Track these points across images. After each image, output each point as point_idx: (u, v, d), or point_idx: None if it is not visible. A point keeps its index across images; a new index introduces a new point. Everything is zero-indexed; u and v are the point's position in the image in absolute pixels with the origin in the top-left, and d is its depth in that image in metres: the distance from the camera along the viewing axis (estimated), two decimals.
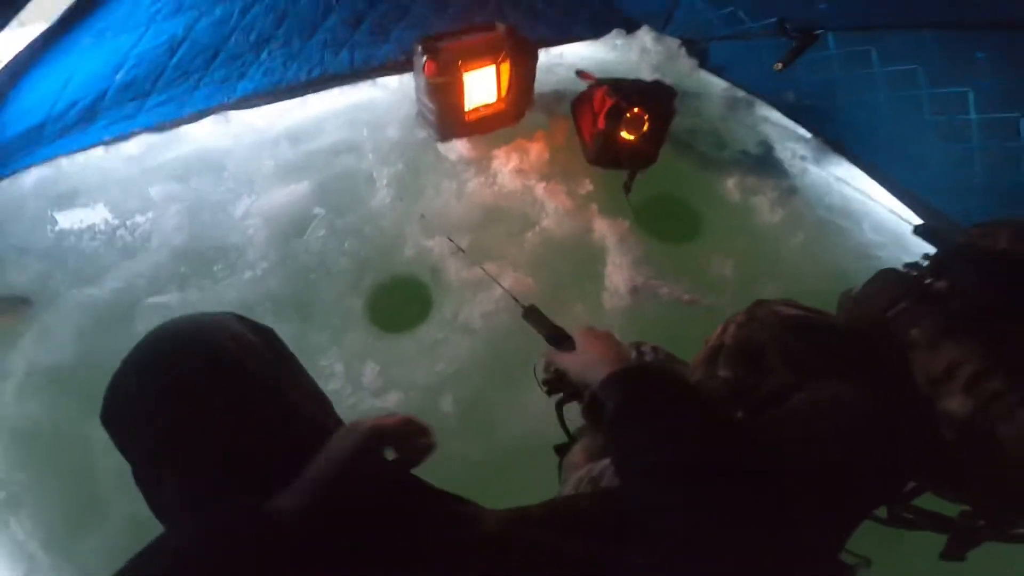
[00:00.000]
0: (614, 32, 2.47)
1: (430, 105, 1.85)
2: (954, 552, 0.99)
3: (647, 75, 2.26)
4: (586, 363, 0.77)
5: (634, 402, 0.67)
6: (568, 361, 0.84)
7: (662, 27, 2.49)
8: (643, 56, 2.39)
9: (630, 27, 2.48)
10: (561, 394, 0.96)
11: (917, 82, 1.87)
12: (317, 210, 1.86)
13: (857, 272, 1.87)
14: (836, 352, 1.02)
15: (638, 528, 0.57)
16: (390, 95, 2.09)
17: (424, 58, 1.72)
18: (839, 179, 2.16)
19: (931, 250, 1.16)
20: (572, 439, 1.12)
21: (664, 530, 0.55)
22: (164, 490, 0.66)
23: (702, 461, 0.57)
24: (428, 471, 0.78)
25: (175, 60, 1.93)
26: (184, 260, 1.76)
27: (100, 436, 1.43)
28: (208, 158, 2.01)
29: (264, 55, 2.03)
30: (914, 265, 1.09)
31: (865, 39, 1.95)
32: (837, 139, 2.22)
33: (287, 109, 2.07)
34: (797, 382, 1.00)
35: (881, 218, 2.09)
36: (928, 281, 1.04)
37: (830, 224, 2.02)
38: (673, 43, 2.45)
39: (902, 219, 2.06)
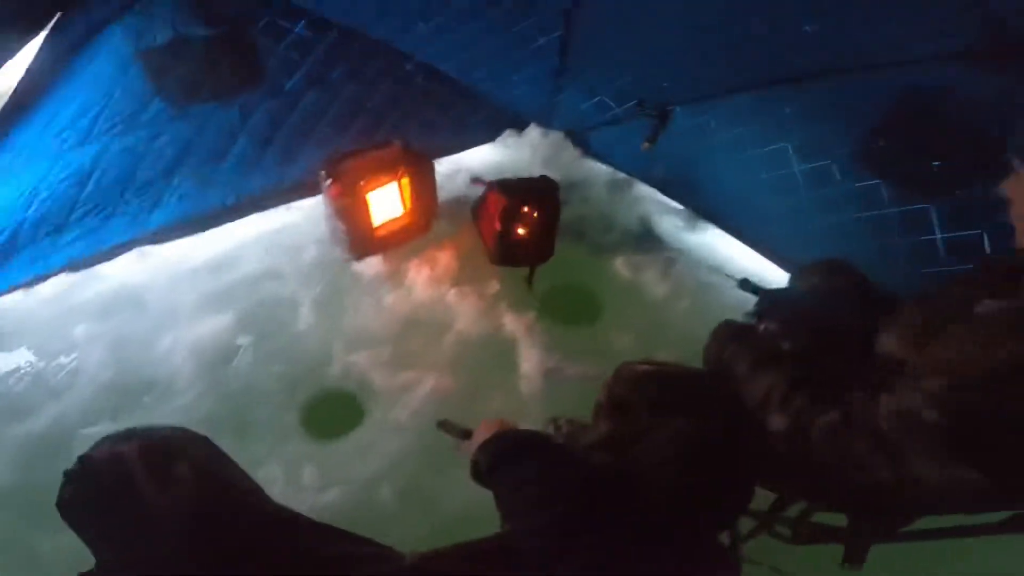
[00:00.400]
0: (506, 133, 2.70)
1: (340, 225, 1.98)
2: (851, 559, 1.14)
3: (538, 170, 2.49)
4: (476, 444, 0.94)
5: (501, 457, 0.84)
6: (467, 449, 0.99)
7: (549, 122, 2.74)
8: (534, 152, 2.65)
9: (520, 126, 2.73)
10: None
11: (746, 144, 2.07)
12: (243, 338, 1.93)
13: None
14: (683, 393, 1.18)
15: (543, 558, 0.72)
16: (304, 217, 2.21)
17: (328, 182, 1.87)
18: (711, 243, 2.45)
19: None
20: None
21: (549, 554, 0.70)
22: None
23: (565, 494, 0.74)
24: None
25: (86, 192, 1.96)
26: (113, 394, 1.78)
27: (46, 548, 1.46)
28: (128, 294, 2.03)
29: (175, 182, 2.08)
30: (749, 312, 1.32)
31: (702, 110, 2.13)
32: (702, 206, 2.49)
33: (205, 240, 2.14)
34: (655, 422, 1.14)
35: (751, 274, 2.36)
36: (756, 325, 1.25)
37: (710, 286, 2.28)
38: (558, 136, 2.71)
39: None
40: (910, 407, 0.82)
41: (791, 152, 1.94)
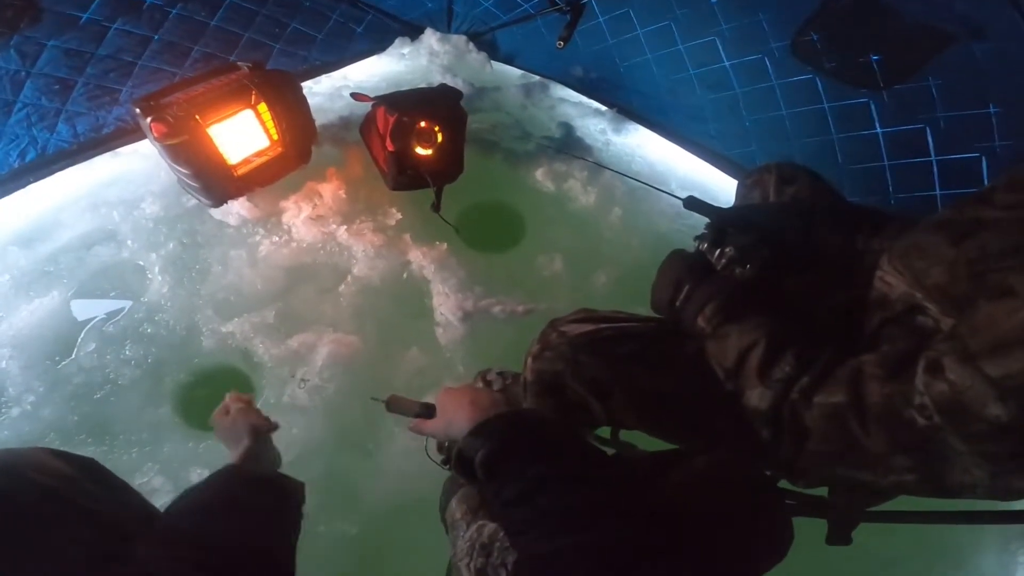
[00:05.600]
0: (398, 41, 2.09)
1: (184, 170, 1.37)
2: (836, 536, 0.84)
3: (440, 79, 1.93)
4: (448, 423, 0.68)
5: (501, 450, 0.57)
6: (432, 429, 0.73)
7: (447, 26, 2.16)
8: (432, 60, 2.05)
9: (413, 33, 2.12)
10: None
11: (673, 38, 1.76)
12: (79, 321, 1.35)
13: (675, 232, 1.75)
14: (630, 363, 0.83)
15: None
16: (140, 163, 1.56)
17: (148, 120, 1.24)
18: (639, 144, 2.01)
19: None
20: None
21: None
22: None
23: (590, 504, 0.51)
24: (306, 557, 0.70)
25: None
26: None
27: None
28: None
29: None
30: (701, 237, 0.90)
31: (620, 2, 1.77)
32: (628, 106, 2.06)
33: (6, 208, 1.48)
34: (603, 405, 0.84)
35: (684, 173, 1.97)
36: (714, 255, 0.85)
37: (640, 190, 1.84)
38: (460, 40, 2.13)
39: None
40: (964, 395, 0.50)
41: (719, 45, 1.66)
